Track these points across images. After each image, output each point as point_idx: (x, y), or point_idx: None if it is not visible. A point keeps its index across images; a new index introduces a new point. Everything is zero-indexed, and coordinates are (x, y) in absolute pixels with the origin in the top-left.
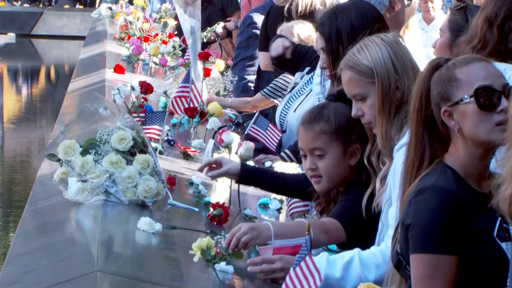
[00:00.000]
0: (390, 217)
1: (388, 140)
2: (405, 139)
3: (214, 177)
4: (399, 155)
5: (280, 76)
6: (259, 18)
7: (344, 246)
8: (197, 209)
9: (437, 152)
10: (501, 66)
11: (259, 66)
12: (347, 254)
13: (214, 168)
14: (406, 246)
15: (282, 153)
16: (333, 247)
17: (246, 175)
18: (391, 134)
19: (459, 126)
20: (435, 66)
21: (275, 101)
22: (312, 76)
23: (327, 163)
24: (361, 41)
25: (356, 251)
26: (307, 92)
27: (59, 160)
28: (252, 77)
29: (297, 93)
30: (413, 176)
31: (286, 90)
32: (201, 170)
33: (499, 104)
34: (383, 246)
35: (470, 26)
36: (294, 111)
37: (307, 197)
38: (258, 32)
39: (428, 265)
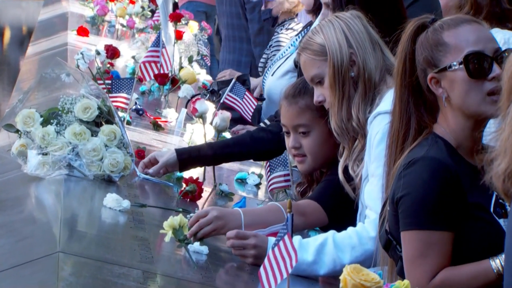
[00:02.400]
0: (367, 195)
1: (343, 120)
2: (379, 108)
3: (156, 175)
4: (373, 126)
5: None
6: None
7: (327, 228)
8: (171, 184)
9: (424, 120)
10: (504, 34)
11: None
12: (320, 237)
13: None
14: (396, 224)
15: (261, 124)
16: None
17: (185, 159)
18: (351, 112)
19: (447, 95)
20: (419, 27)
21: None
22: (299, 36)
23: (312, 141)
24: (318, 24)
25: (331, 233)
26: (288, 55)
27: (17, 131)
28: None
29: (279, 55)
30: (399, 147)
31: None
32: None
33: (491, 71)
34: (359, 226)
35: None
36: (272, 75)
37: (260, 158)
38: None
39: (420, 242)
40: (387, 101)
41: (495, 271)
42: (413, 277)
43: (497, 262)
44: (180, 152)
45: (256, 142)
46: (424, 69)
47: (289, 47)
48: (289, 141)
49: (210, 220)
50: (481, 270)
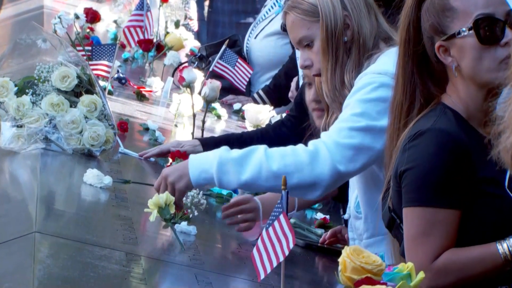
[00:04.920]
0: (343, 112)
1: (336, 87)
2: (370, 68)
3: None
4: (360, 81)
5: None
6: None
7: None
8: (152, 159)
9: (431, 92)
10: None
11: None
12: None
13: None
14: (400, 200)
15: (254, 94)
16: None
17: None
18: (344, 79)
19: (457, 63)
20: None
21: None
22: None
23: None
24: None
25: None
26: (271, 16)
27: None
28: None
29: (262, 16)
30: (402, 121)
31: None
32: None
33: (503, 36)
34: (301, 145)
35: None
36: (255, 38)
37: None
38: None
39: (423, 220)
40: (376, 64)
41: (502, 256)
42: (414, 257)
43: (504, 247)
44: (206, 143)
45: (280, 137)
46: (431, 37)
47: (272, 7)
48: (310, 94)
49: (251, 209)
50: (487, 254)
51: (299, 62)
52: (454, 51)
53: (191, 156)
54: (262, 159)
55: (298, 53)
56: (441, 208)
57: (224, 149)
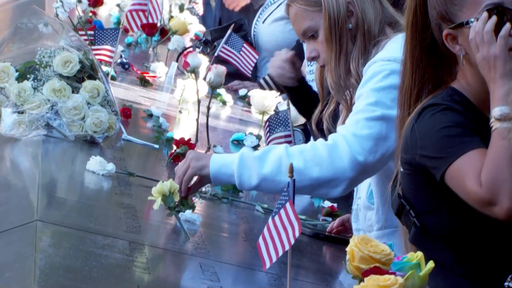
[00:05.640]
0: (357, 103)
1: (341, 76)
2: (376, 57)
3: None
4: (369, 69)
5: None
6: None
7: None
8: (157, 146)
9: (440, 78)
10: None
11: None
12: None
13: None
14: (411, 184)
15: (261, 80)
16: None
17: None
18: (349, 68)
19: (465, 52)
20: None
21: None
22: None
23: None
24: None
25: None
26: (280, 0)
27: None
28: None
29: (270, 1)
30: (412, 107)
31: None
32: None
33: None
34: (320, 140)
35: None
36: (263, 22)
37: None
38: None
39: (461, 170)
40: (385, 50)
41: (501, 128)
42: (468, 196)
43: (501, 123)
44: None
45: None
46: (439, 24)
47: None
48: None
49: None
50: (493, 141)
51: (305, 54)
52: (462, 39)
53: (214, 154)
54: (283, 155)
55: None
56: (468, 151)
57: (246, 148)
